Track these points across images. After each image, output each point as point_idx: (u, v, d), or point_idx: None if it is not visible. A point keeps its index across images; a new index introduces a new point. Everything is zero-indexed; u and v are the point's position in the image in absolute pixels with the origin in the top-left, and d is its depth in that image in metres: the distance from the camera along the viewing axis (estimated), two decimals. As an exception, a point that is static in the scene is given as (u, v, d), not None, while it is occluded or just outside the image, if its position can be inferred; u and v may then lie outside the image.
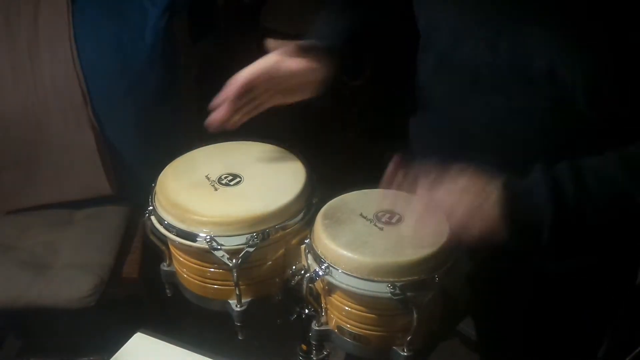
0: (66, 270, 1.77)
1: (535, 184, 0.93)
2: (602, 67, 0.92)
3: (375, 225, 1.02)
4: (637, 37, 0.90)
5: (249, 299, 1.10)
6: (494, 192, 0.94)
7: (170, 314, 1.80)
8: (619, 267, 1.17)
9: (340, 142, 2.51)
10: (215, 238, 1.03)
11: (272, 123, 1.20)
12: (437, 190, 0.96)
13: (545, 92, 0.98)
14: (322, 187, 1.14)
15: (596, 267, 1.12)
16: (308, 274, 1.02)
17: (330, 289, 1.02)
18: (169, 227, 1.07)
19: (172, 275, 1.18)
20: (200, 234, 1.04)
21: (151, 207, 1.12)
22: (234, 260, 1.03)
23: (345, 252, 0.97)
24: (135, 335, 1.08)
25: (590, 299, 1.17)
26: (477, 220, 0.93)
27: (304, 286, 1.04)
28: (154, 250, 1.18)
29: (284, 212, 1.06)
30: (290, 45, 1.14)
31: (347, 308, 1.01)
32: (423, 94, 1.20)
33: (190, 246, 1.05)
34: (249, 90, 1.12)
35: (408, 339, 1.00)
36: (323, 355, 1.14)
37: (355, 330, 1.03)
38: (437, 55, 1.14)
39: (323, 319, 1.07)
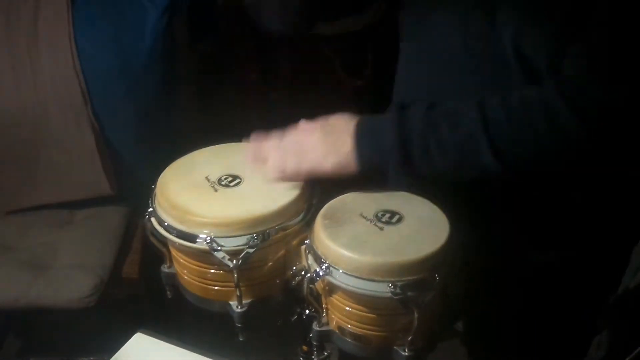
0: (66, 270, 1.77)
1: (386, 121, 0.99)
2: (563, 41, 0.92)
3: (376, 225, 1.02)
4: (599, 14, 0.90)
5: (249, 300, 1.10)
6: (347, 129, 1.02)
7: (170, 314, 1.79)
8: (607, 263, 1.18)
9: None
10: (215, 239, 1.03)
11: (274, 124, 1.20)
12: (288, 135, 1.08)
13: (516, 71, 0.98)
14: (322, 187, 1.14)
15: (586, 262, 1.13)
16: (308, 275, 1.02)
17: (331, 289, 1.02)
18: (169, 228, 1.07)
19: (173, 276, 1.18)
20: (201, 235, 1.03)
21: (151, 209, 1.11)
22: (234, 261, 1.03)
23: (345, 252, 0.97)
24: (135, 335, 1.07)
25: (582, 295, 1.17)
26: (330, 155, 1.02)
27: (305, 287, 1.04)
28: (153, 251, 1.17)
29: (284, 213, 1.06)
30: None
31: (347, 308, 1.01)
32: (399, 87, 1.21)
33: (191, 247, 1.05)
34: None
35: (409, 338, 1.00)
36: (324, 356, 1.14)
37: (356, 330, 1.03)
38: (410, 44, 1.15)
39: (324, 320, 1.07)
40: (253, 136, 1.12)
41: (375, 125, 1.01)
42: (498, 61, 0.99)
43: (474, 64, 1.03)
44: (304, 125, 1.07)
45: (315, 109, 1.20)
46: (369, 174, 1.02)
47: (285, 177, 1.07)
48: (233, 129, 1.30)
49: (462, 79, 1.05)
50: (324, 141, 1.03)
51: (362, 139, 1.01)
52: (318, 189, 1.13)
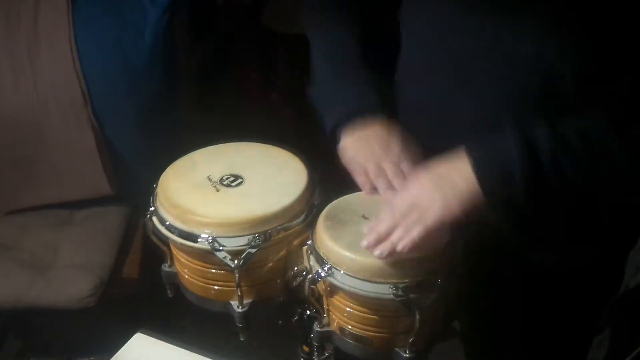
0: (66, 271, 1.76)
1: (506, 145, 0.92)
2: (590, 50, 0.92)
3: (378, 227, 1.02)
4: (625, 22, 0.90)
5: (250, 300, 1.10)
6: (457, 168, 0.95)
7: (170, 314, 1.79)
8: (607, 266, 1.18)
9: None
10: (217, 239, 1.03)
11: (274, 124, 1.21)
12: (398, 202, 0.98)
13: (532, 77, 0.98)
14: (323, 188, 1.14)
15: (585, 266, 1.13)
16: (310, 276, 1.02)
17: (332, 290, 1.02)
18: (170, 228, 1.07)
19: (174, 276, 1.18)
20: (202, 235, 1.04)
21: (152, 208, 1.11)
22: (235, 261, 1.03)
23: (347, 254, 0.97)
24: (135, 335, 1.07)
25: (582, 297, 1.17)
26: (452, 200, 0.93)
27: (306, 287, 1.04)
28: (154, 251, 1.17)
29: (286, 213, 1.06)
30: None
31: (349, 309, 1.01)
32: (404, 91, 1.20)
33: (192, 247, 1.05)
34: None
35: (410, 340, 1.00)
36: (325, 356, 1.13)
37: (357, 331, 1.03)
38: (418, 50, 1.14)
39: (325, 320, 1.07)
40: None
41: (494, 153, 0.94)
42: (512, 67, 0.99)
43: (487, 71, 1.02)
44: (409, 186, 0.99)
45: (315, 109, 1.20)
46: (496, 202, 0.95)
47: (420, 247, 0.95)
48: (233, 129, 1.30)
49: (473, 86, 1.05)
50: (438, 190, 0.95)
51: (483, 171, 0.93)
52: (320, 190, 1.13)
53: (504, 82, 1.00)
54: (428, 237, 0.94)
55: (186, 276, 1.14)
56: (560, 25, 0.93)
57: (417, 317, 0.96)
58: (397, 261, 0.95)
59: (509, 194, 0.93)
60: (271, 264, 1.09)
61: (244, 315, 1.10)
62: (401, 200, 0.98)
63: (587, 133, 0.92)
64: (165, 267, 1.19)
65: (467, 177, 0.93)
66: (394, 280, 0.94)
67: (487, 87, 1.02)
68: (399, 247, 0.94)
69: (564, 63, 0.94)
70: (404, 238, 0.94)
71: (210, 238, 1.03)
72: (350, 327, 1.03)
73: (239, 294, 1.08)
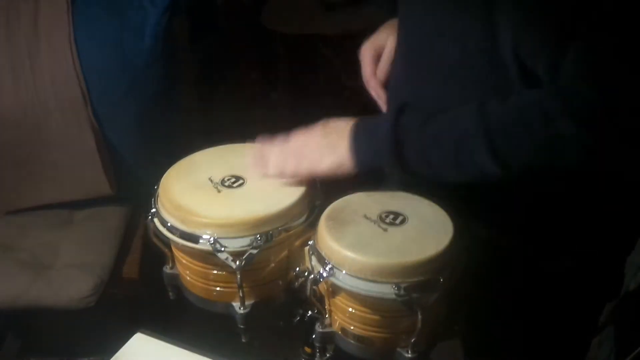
0: (66, 271, 1.76)
1: (382, 121, 1.01)
2: (560, 45, 0.92)
3: (379, 227, 1.02)
4: (591, 18, 0.90)
5: (252, 301, 1.10)
6: (344, 130, 1.04)
7: (170, 314, 1.79)
8: (606, 268, 1.18)
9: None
10: (218, 240, 1.02)
11: (274, 124, 1.20)
12: (291, 138, 1.10)
13: (516, 79, 0.98)
14: (325, 188, 1.14)
15: (585, 268, 1.13)
16: (312, 276, 1.02)
17: (334, 290, 1.02)
18: (172, 229, 1.07)
19: (175, 277, 1.18)
20: (204, 236, 1.03)
21: (154, 210, 1.11)
22: (237, 262, 1.03)
23: (349, 254, 0.97)
24: (135, 335, 1.07)
25: (582, 298, 1.18)
26: (326, 155, 1.04)
27: (308, 288, 1.04)
28: (154, 251, 1.17)
29: (287, 214, 1.06)
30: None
31: (351, 310, 1.01)
32: (393, 94, 1.21)
33: (194, 248, 1.05)
34: None
35: (412, 340, 1.00)
36: (326, 357, 1.13)
37: (359, 332, 1.03)
38: (407, 55, 1.15)
39: (327, 321, 1.07)
40: (258, 139, 1.14)
41: (372, 125, 1.03)
42: (494, 65, 0.99)
43: (472, 72, 1.03)
44: (306, 130, 1.09)
45: (315, 109, 1.20)
46: (365, 173, 1.04)
47: (284, 177, 1.09)
48: (233, 129, 1.30)
49: (460, 88, 1.05)
50: (321, 142, 1.06)
51: (358, 138, 1.02)
52: (321, 190, 1.13)
53: (489, 82, 1.01)
54: (296, 178, 1.09)
55: (188, 278, 1.14)
56: (531, 24, 0.93)
57: (419, 317, 0.96)
58: (399, 261, 0.95)
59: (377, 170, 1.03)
60: (273, 264, 1.09)
61: (246, 316, 1.10)
62: (294, 138, 1.10)
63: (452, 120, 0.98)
64: (167, 269, 1.19)
65: (346, 144, 1.03)
66: (396, 280, 0.94)
67: (473, 88, 1.03)
68: (269, 174, 1.10)
69: (538, 63, 0.94)
70: (276, 168, 1.09)
71: (211, 239, 1.02)
72: (352, 327, 1.03)
73: (241, 295, 1.08)
